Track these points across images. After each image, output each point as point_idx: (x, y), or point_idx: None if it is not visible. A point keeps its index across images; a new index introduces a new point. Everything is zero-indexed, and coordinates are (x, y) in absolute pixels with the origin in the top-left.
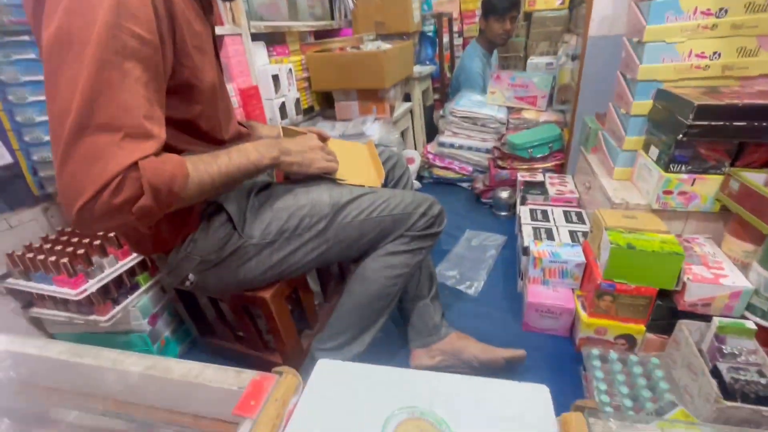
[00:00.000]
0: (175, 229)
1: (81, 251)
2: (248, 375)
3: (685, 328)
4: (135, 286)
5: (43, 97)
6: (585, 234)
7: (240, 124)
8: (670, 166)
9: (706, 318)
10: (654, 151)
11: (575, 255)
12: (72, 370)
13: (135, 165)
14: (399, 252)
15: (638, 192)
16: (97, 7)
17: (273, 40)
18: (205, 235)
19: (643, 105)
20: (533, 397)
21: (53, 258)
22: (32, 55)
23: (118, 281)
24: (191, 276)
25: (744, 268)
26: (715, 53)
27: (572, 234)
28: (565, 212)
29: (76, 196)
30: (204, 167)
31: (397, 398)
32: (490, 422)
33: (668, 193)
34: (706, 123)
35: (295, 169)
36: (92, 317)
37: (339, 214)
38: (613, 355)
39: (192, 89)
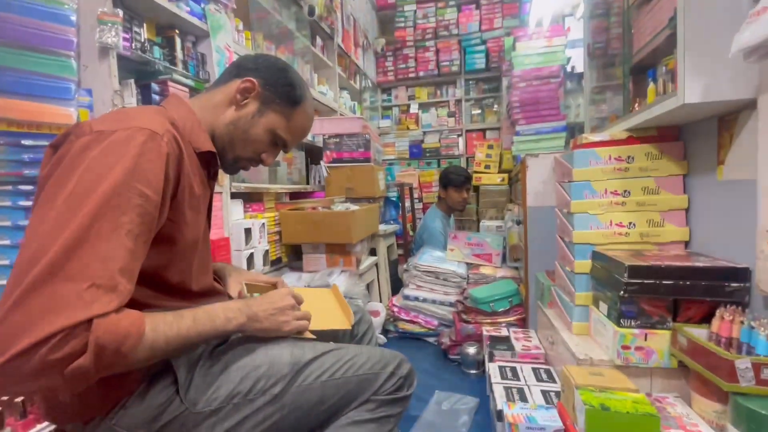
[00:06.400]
0: (107, 393)
1: None
2: None
3: None
4: None
5: None
6: (558, 394)
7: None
8: (621, 320)
9: None
10: (604, 307)
11: (552, 419)
12: None
13: (88, 322)
14: (364, 421)
15: (599, 347)
16: (113, 167)
17: (251, 198)
18: (140, 402)
19: (583, 264)
20: None
21: None
22: (8, 203)
23: None
24: None
25: (721, 431)
26: (630, 223)
27: (545, 394)
28: (534, 369)
29: (7, 347)
30: (164, 328)
31: None
32: None
33: (626, 348)
34: (639, 281)
35: (263, 335)
36: None
37: (299, 375)
38: None
39: (169, 241)
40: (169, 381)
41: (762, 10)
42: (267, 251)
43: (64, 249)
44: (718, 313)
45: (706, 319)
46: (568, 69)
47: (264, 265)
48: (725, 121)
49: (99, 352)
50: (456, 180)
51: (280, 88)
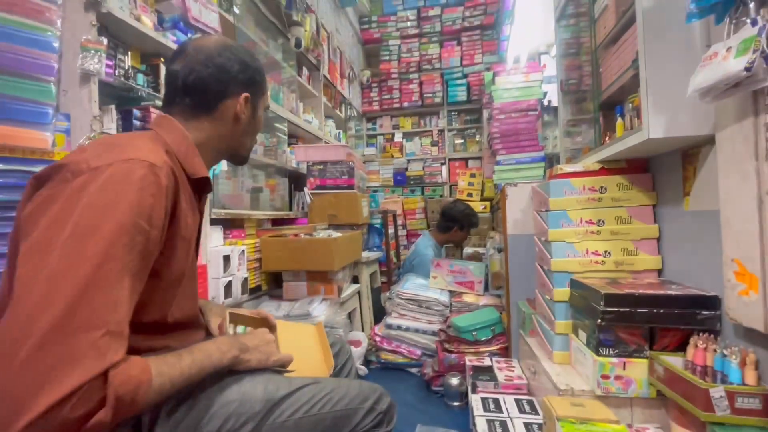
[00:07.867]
0: None
1: None
2: None
3: None
4: None
5: None
6: (540, 426)
7: None
8: (599, 349)
9: None
10: (583, 335)
11: None
12: None
13: (103, 374)
14: None
15: (579, 376)
16: (116, 204)
17: (232, 224)
18: None
19: (562, 292)
20: None
21: None
22: None
23: None
24: None
25: None
26: (606, 252)
27: (527, 427)
28: (517, 401)
29: (23, 410)
30: (168, 370)
31: None
32: None
33: (606, 377)
34: (615, 309)
35: (254, 365)
36: None
37: (272, 412)
38: None
39: (155, 276)
40: (131, 421)
41: (713, 55)
42: (246, 279)
43: (74, 295)
44: (691, 341)
45: (681, 347)
46: (545, 103)
47: (242, 293)
48: (688, 155)
49: (117, 404)
50: (475, 224)
51: (261, 82)
